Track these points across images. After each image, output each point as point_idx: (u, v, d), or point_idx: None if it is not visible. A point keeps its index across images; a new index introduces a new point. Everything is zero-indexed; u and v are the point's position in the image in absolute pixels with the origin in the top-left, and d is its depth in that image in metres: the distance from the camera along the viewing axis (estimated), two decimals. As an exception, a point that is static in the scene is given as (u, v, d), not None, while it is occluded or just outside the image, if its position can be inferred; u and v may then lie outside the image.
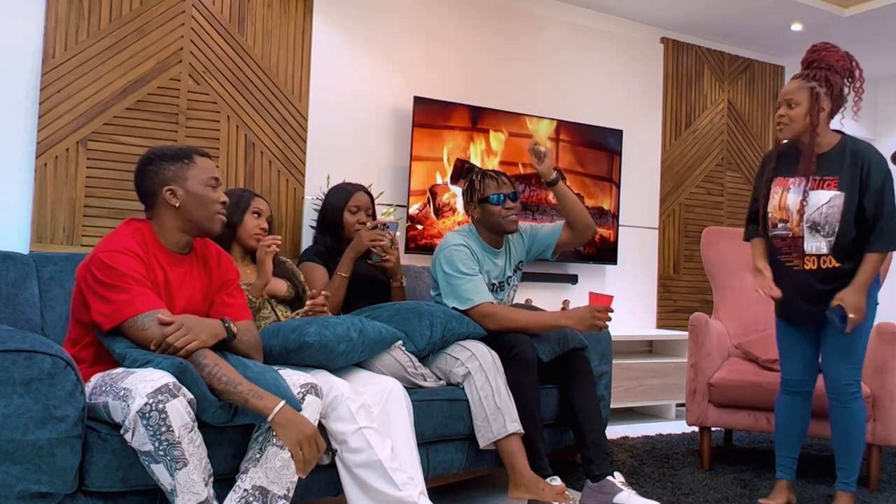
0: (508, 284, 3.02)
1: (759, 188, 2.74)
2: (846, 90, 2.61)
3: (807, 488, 2.93)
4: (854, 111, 2.64)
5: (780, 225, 2.64)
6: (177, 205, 2.06)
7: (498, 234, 2.95)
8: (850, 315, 2.47)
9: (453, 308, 2.78)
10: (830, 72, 2.56)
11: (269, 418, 1.87)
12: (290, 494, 1.95)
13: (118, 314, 1.91)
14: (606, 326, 2.70)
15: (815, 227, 2.57)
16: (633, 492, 2.56)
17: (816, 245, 2.58)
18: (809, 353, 2.70)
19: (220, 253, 2.25)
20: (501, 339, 2.71)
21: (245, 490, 1.90)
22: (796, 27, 4.83)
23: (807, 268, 2.59)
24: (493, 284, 2.94)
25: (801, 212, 2.58)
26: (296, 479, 1.96)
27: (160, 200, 2.08)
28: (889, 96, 6.04)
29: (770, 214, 2.66)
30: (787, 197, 2.62)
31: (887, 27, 4.83)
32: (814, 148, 2.57)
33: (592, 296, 2.70)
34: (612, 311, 2.68)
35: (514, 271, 3.04)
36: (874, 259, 2.52)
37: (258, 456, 1.93)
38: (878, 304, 2.65)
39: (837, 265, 2.56)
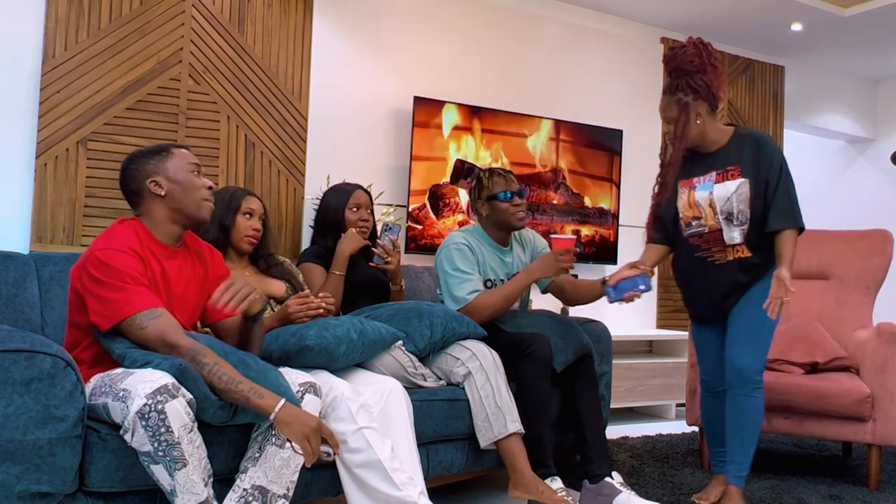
0: None
1: (659, 191, 2.79)
2: (714, 81, 2.61)
3: (807, 488, 2.93)
4: (718, 96, 2.63)
5: (693, 223, 2.68)
6: (162, 193, 2.07)
7: (505, 232, 2.97)
8: (780, 289, 2.45)
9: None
10: (689, 76, 2.59)
11: (272, 417, 1.87)
12: (290, 494, 1.95)
13: (115, 314, 1.91)
14: (572, 266, 2.78)
15: (729, 218, 2.59)
16: (633, 492, 2.55)
17: (731, 236, 2.60)
18: (722, 351, 2.71)
19: (212, 249, 2.28)
20: (519, 337, 2.71)
21: (244, 489, 1.90)
22: (796, 27, 4.84)
23: (729, 258, 2.62)
24: (502, 281, 2.95)
25: (712, 205, 2.61)
26: (295, 477, 1.96)
27: (146, 193, 2.09)
28: (889, 96, 6.04)
29: (682, 214, 2.70)
30: (694, 195, 2.67)
31: (887, 27, 4.83)
32: (683, 144, 2.62)
33: (555, 241, 2.79)
34: (575, 251, 2.78)
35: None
36: (785, 234, 2.53)
37: (257, 455, 1.93)
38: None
39: (748, 255, 2.60)
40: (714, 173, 2.63)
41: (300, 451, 1.90)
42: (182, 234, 2.16)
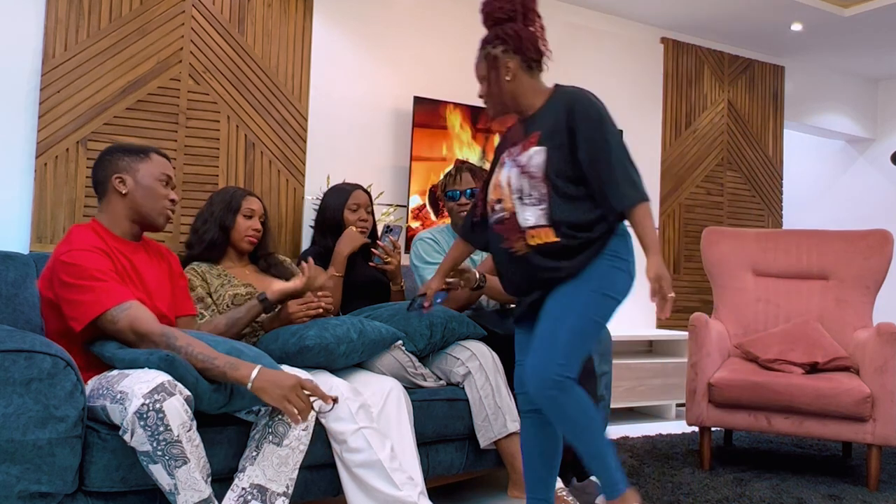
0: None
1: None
2: (530, 32, 2.15)
3: (807, 488, 2.93)
4: (535, 48, 2.15)
5: (497, 207, 2.15)
6: (124, 192, 2.11)
7: None
8: (663, 289, 1.94)
9: None
10: (499, 25, 2.16)
11: (249, 386, 1.86)
12: (290, 491, 1.95)
13: (87, 314, 1.93)
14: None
15: (521, 196, 2.07)
16: None
17: (524, 217, 2.06)
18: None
19: (168, 249, 2.35)
20: (513, 339, 2.73)
21: (243, 488, 1.90)
22: (796, 27, 4.84)
23: (531, 244, 2.05)
24: None
25: (509, 183, 2.10)
26: (295, 475, 1.97)
27: (109, 188, 2.13)
28: (889, 96, 6.04)
29: (488, 199, 2.19)
30: (501, 173, 2.15)
31: (887, 27, 4.83)
32: (502, 110, 2.18)
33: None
34: None
35: None
36: (637, 213, 1.99)
37: (255, 454, 1.94)
38: (608, 295, 2.02)
39: (554, 239, 2.02)
40: (521, 145, 2.12)
41: (289, 418, 1.89)
42: (140, 233, 2.20)
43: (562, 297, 2.02)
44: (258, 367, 1.88)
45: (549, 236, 2.02)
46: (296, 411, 1.86)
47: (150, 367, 1.84)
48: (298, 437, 1.97)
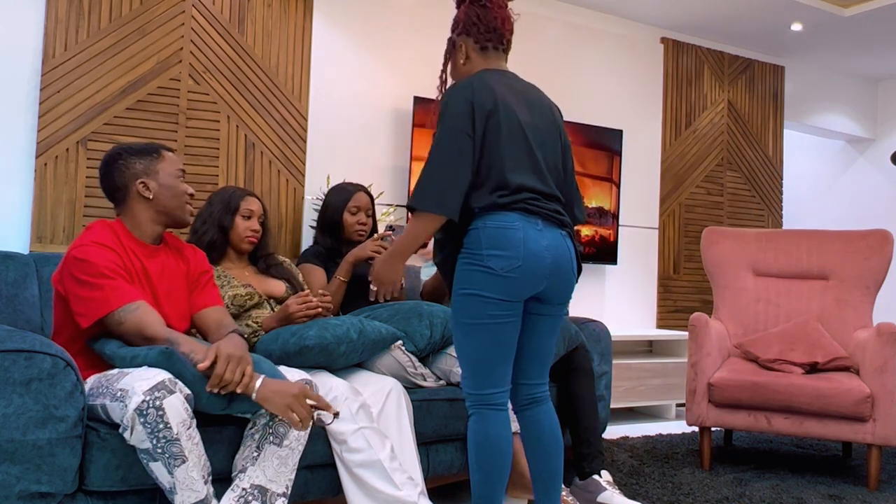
0: None
1: None
2: (483, 12, 2.15)
3: (807, 488, 2.93)
4: (489, 27, 2.16)
5: None
6: (150, 196, 2.11)
7: None
8: (371, 286, 2.05)
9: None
10: (457, 9, 2.19)
11: (253, 397, 1.86)
12: (289, 492, 1.96)
13: (95, 312, 1.94)
14: None
15: None
16: (618, 491, 2.57)
17: None
18: None
19: (194, 248, 2.32)
20: None
21: (243, 489, 1.90)
22: (796, 27, 4.84)
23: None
24: None
25: None
26: (293, 476, 1.97)
27: (132, 193, 2.12)
28: (889, 96, 6.04)
29: None
30: None
31: (887, 27, 4.83)
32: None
33: None
34: None
35: None
36: (410, 220, 1.96)
37: (255, 454, 1.93)
38: (466, 293, 1.94)
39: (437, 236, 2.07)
40: None
41: (291, 424, 1.88)
42: (162, 233, 2.20)
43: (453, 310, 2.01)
44: (261, 377, 1.89)
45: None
46: (298, 420, 1.87)
47: (148, 361, 1.85)
48: (298, 438, 1.97)
